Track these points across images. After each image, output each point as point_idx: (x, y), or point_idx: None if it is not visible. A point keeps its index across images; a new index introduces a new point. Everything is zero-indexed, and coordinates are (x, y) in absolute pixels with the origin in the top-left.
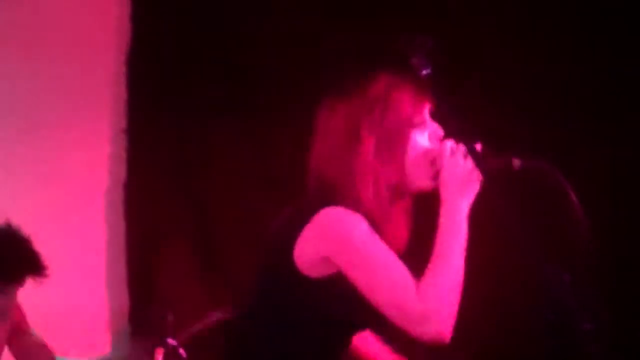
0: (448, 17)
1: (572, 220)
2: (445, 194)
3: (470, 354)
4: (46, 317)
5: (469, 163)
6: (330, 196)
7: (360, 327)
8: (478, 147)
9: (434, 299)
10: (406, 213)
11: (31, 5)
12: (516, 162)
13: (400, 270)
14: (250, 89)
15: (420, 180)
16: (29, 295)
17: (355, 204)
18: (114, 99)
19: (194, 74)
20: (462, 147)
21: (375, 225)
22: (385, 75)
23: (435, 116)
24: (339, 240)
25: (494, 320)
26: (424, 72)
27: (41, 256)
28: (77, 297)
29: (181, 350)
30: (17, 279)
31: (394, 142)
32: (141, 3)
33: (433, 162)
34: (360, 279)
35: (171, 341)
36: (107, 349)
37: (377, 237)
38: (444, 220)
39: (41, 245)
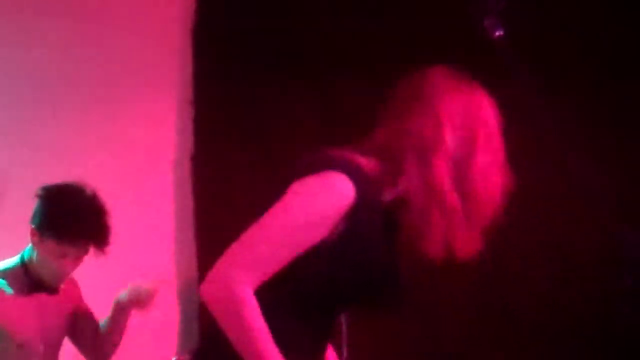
0: None
1: None
2: None
3: (547, 318)
4: (115, 291)
5: None
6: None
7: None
8: None
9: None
10: None
11: None
12: None
13: (278, 246)
14: (316, 56)
15: None
16: (98, 268)
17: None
18: (180, 71)
19: (260, 44)
20: None
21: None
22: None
23: None
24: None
25: (571, 285)
26: (497, 33)
27: (110, 230)
28: (146, 271)
29: None
30: (83, 242)
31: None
32: None
33: None
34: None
35: None
36: (176, 322)
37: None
38: None
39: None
